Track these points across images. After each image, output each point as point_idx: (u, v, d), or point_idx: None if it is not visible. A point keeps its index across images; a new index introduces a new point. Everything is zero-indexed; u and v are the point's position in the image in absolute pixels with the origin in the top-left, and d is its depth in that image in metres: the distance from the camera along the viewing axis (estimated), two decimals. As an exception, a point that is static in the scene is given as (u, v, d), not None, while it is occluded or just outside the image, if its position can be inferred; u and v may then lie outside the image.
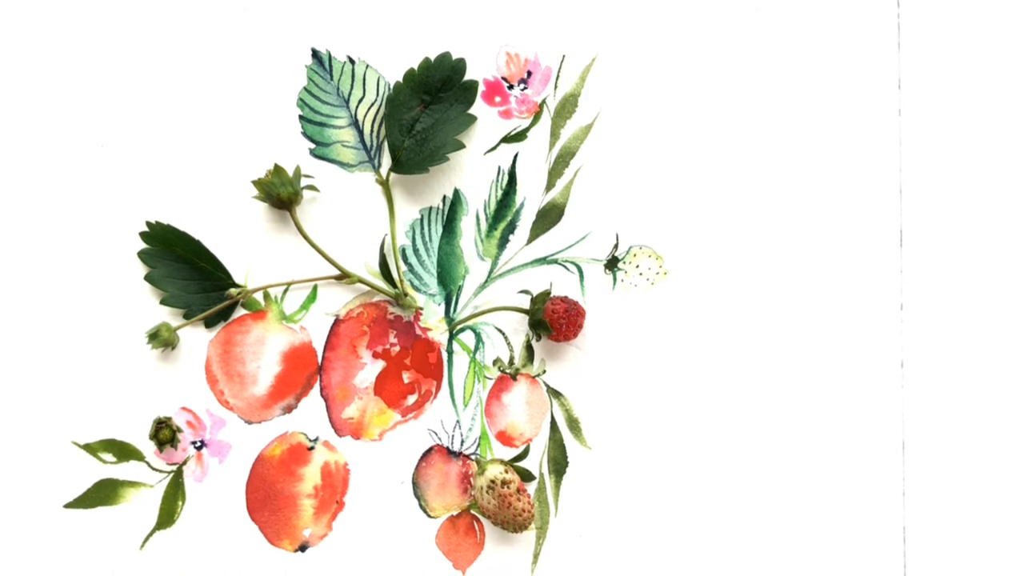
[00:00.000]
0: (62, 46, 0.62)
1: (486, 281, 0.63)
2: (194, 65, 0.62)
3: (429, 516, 0.62)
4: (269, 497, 0.62)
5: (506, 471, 0.60)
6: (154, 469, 0.62)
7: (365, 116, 0.62)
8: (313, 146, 0.62)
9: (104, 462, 0.61)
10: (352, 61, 0.63)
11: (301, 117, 0.62)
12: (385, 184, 0.62)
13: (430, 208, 0.63)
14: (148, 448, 0.61)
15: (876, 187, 0.62)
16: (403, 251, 0.62)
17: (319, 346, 0.62)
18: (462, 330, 0.63)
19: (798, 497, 0.62)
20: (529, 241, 0.63)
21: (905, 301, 0.62)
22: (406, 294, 0.62)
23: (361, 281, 0.61)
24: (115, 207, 0.62)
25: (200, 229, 0.62)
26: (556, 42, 0.63)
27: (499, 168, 0.63)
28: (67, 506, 0.61)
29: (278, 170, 0.60)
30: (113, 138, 0.62)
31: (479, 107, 0.62)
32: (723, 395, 0.62)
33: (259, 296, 0.62)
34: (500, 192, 0.63)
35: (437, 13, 0.63)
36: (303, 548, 0.62)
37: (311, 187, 0.61)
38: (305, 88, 0.63)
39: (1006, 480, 0.62)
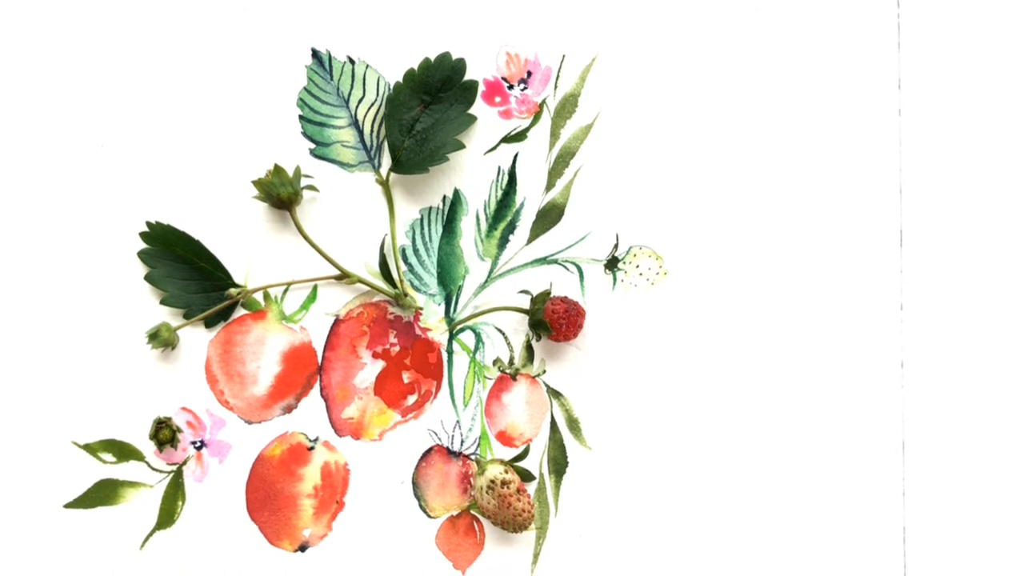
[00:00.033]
0: (62, 46, 0.62)
1: (486, 281, 0.63)
2: (194, 65, 0.62)
3: (429, 516, 0.62)
4: (269, 497, 0.62)
5: (506, 471, 0.60)
6: (154, 469, 0.62)
7: (365, 116, 0.62)
8: (313, 146, 0.62)
9: (104, 462, 0.61)
10: (352, 61, 0.63)
11: (301, 117, 0.62)
12: (385, 184, 0.62)
13: (430, 208, 0.63)
14: (148, 448, 0.61)
15: (876, 187, 0.62)
16: (403, 251, 0.62)
17: (319, 346, 0.62)
18: (462, 330, 0.63)
19: (798, 497, 0.62)
20: (529, 241, 0.63)
21: (905, 301, 0.62)
22: (406, 294, 0.62)
23: (361, 281, 0.61)
24: (115, 207, 0.62)
25: (200, 229, 0.62)
26: (556, 42, 0.63)
27: (499, 168, 0.63)
28: (67, 506, 0.61)
29: (278, 170, 0.60)
30: (113, 138, 0.62)
31: (479, 107, 0.62)
32: (723, 395, 0.62)
33: (259, 296, 0.62)
34: (500, 192, 0.63)
35: (437, 13, 0.63)
36: (303, 548, 0.62)
37: (311, 187, 0.61)
38: (305, 88, 0.63)
39: (1006, 480, 0.62)
